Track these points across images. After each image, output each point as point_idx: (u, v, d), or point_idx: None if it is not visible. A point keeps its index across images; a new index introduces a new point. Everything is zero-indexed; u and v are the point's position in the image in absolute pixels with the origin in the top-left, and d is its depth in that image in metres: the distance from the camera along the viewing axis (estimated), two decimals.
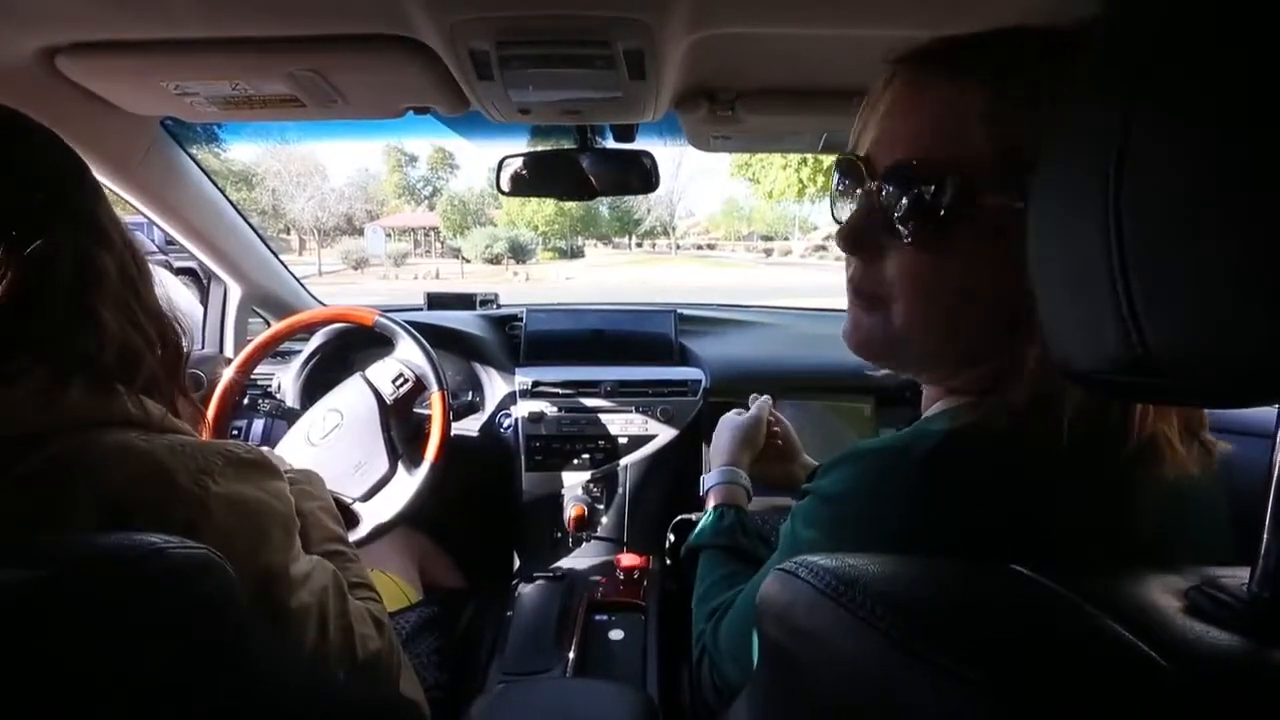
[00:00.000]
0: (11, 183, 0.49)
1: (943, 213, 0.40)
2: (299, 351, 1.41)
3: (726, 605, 0.60)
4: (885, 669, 0.29)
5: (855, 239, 0.46)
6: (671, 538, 1.06)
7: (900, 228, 0.42)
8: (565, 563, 1.39)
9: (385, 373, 1.21)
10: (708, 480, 0.85)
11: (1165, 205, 0.24)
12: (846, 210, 0.49)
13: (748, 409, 0.92)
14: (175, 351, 0.59)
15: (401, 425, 1.21)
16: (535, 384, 1.44)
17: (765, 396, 0.94)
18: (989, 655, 0.27)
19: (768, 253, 38.83)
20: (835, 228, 0.49)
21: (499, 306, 1.73)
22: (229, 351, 1.47)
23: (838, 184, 0.49)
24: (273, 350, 1.27)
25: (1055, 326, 0.31)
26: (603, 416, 1.42)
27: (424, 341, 1.21)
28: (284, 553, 0.55)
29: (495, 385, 1.51)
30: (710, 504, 0.81)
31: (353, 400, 1.19)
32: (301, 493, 0.73)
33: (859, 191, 0.46)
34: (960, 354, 0.46)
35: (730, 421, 0.91)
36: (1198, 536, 0.44)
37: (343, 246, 33.36)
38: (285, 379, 1.39)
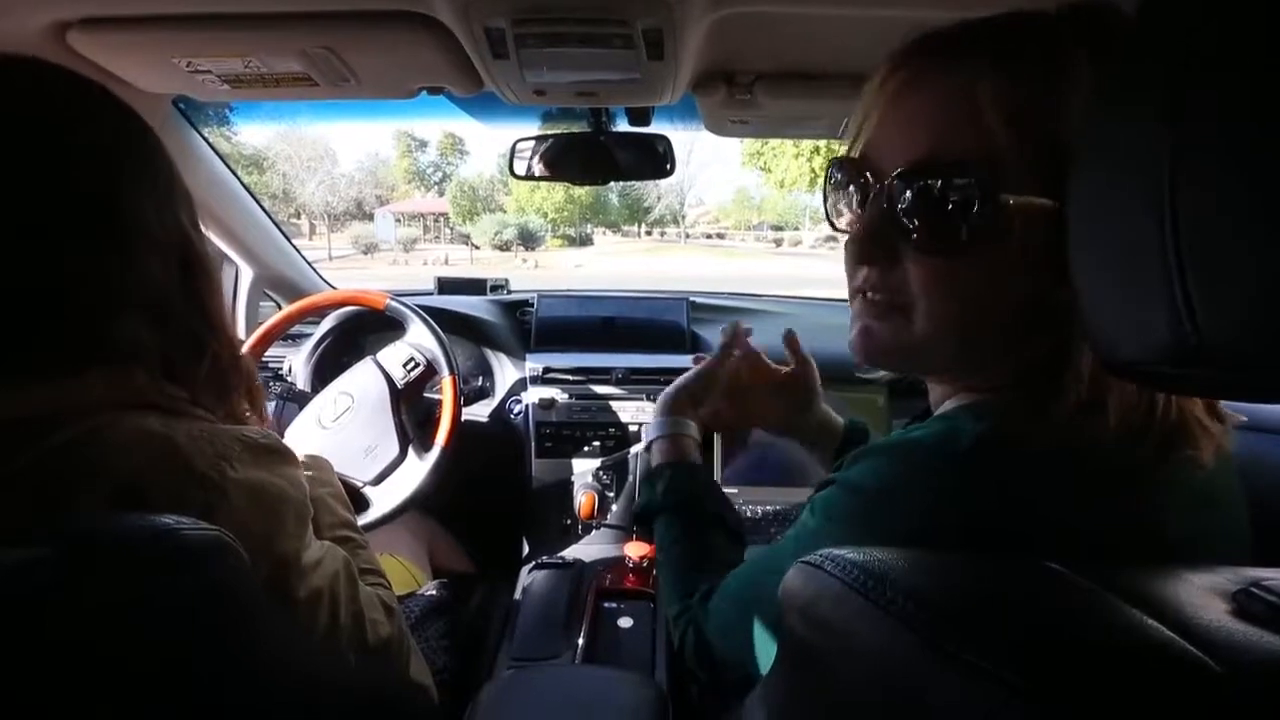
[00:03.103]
0: (71, 159, 0.47)
1: (964, 214, 0.38)
2: (310, 334, 1.41)
3: (711, 588, 0.59)
4: (915, 667, 0.27)
5: (870, 248, 0.43)
6: None
7: (917, 233, 0.40)
8: (574, 550, 1.39)
9: (396, 356, 1.21)
10: (647, 434, 0.76)
11: (1223, 196, 0.23)
12: (846, 214, 0.47)
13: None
14: (230, 354, 0.57)
15: (412, 409, 1.21)
16: (546, 370, 1.43)
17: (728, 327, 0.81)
18: (1025, 655, 0.25)
19: (778, 243, 38.60)
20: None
21: (510, 292, 1.72)
22: (240, 334, 1.48)
23: (836, 186, 0.47)
24: (284, 333, 1.27)
25: (1100, 317, 0.30)
26: (614, 404, 1.42)
27: (435, 326, 1.21)
28: (297, 540, 0.55)
29: (506, 371, 1.51)
30: (654, 460, 0.74)
31: (364, 384, 1.19)
32: (311, 479, 0.73)
33: (868, 195, 0.43)
34: (988, 354, 0.44)
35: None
36: (1223, 537, 0.42)
37: (353, 231, 33.42)
38: (296, 362, 1.39)
